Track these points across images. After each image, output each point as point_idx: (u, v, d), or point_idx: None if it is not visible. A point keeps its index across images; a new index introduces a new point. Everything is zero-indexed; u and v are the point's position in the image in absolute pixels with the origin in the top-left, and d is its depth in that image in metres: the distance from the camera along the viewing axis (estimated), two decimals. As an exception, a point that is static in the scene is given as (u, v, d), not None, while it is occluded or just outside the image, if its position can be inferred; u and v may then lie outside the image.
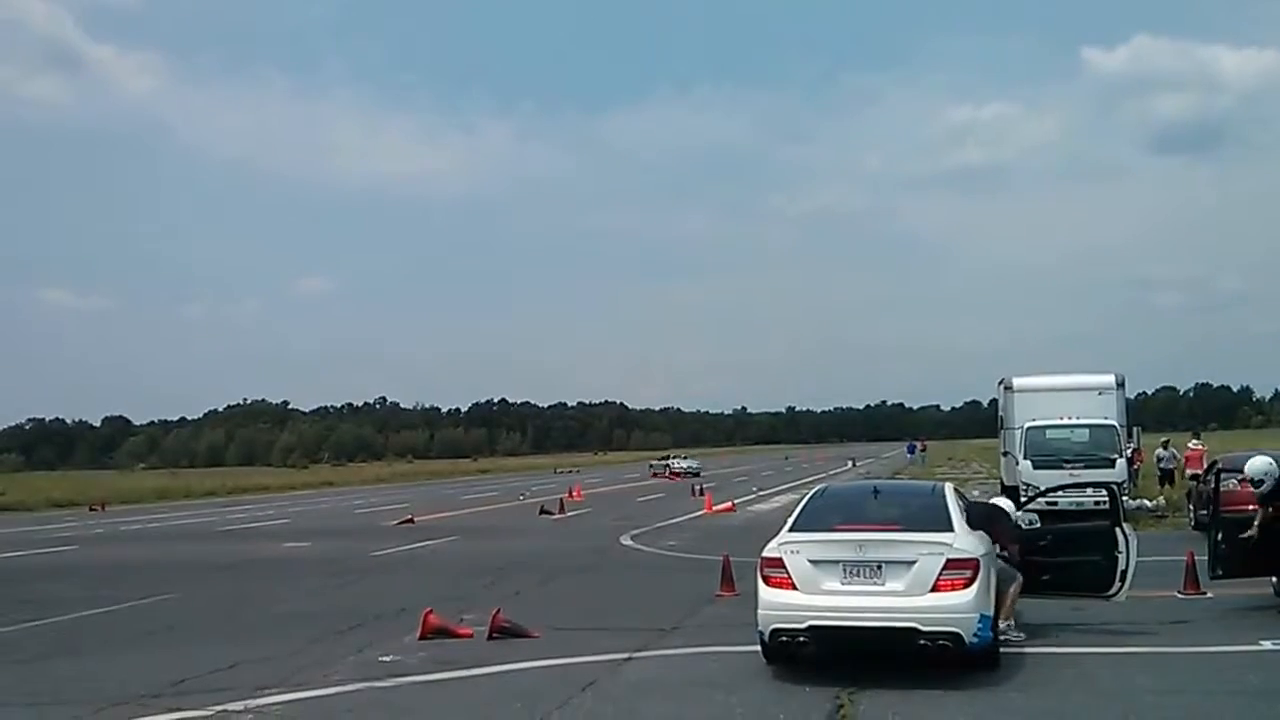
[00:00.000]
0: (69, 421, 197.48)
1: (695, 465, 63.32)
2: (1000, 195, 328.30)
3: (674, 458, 66.80)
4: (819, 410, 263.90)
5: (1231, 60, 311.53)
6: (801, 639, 8.68)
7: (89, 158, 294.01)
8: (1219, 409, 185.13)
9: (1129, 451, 23.29)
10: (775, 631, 8.77)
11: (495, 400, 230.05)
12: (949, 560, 8.50)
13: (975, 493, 26.06)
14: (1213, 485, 18.98)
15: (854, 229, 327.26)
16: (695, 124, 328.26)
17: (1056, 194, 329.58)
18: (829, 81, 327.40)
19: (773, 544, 9.08)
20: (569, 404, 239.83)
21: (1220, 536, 11.79)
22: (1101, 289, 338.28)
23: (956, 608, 8.39)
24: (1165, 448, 29.64)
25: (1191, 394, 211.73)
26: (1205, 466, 25.04)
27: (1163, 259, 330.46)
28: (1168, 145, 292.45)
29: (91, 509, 43.40)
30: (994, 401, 29.68)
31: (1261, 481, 11.34)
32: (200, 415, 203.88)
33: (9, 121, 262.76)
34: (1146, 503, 25.09)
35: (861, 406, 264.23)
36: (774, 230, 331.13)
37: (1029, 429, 22.83)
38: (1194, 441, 29.10)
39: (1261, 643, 9.72)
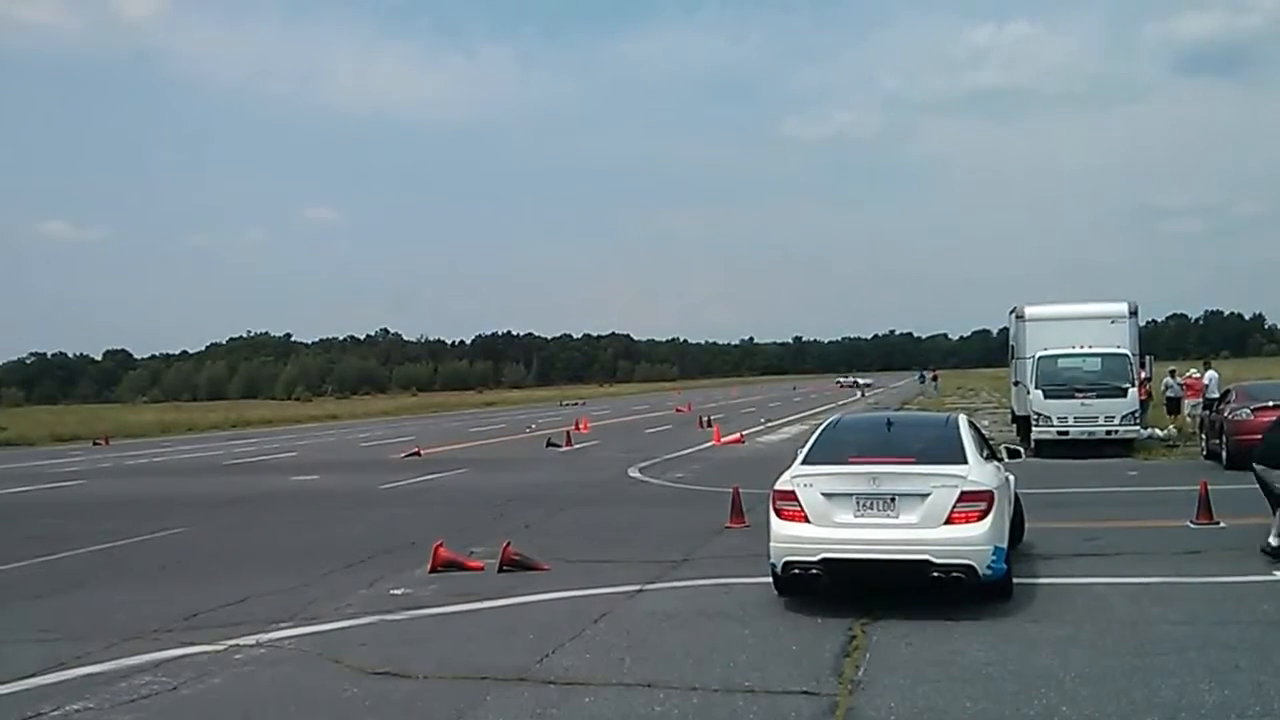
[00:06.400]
0: (70, 355, 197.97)
1: None
2: (1017, 118, 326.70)
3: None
4: (826, 340, 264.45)
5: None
6: (814, 571, 8.64)
7: (88, 84, 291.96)
8: (1231, 337, 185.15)
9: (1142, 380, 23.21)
10: (788, 564, 8.73)
11: (500, 332, 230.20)
12: (963, 493, 8.43)
13: (985, 423, 26.08)
14: (1225, 413, 19.06)
15: (864, 155, 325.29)
16: (703, 46, 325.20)
17: (1074, 117, 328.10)
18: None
19: (785, 476, 9.01)
20: (574, 335, 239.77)
21: None
22: (1116, 215, 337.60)
23: (971, 540, 8.33)
24: (1172, 376, 29.58)
25: (1202, 322, 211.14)
26: (1203, 395, 25.07)
27: (1180, 184, 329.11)
28: (1191, 67, 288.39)
29: (95, 443, 43.47)
30: (1004, 330, 29.52)
31: None
32: (202, 348, 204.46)
33: (7, 47, 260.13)
34: (1157, 431, 25.11)
35: (869, 336, 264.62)
36: (783, 156, 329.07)
37: (1040, 358, 22.69)
38: (1192, 371, 29.03)
39: (1275, 573, 9.69)
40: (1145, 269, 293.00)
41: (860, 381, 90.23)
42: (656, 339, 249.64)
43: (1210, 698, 6.19)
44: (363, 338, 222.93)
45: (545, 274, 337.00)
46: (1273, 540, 10.12)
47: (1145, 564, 10.25)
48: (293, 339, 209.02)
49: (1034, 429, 22.49)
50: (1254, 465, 11.08)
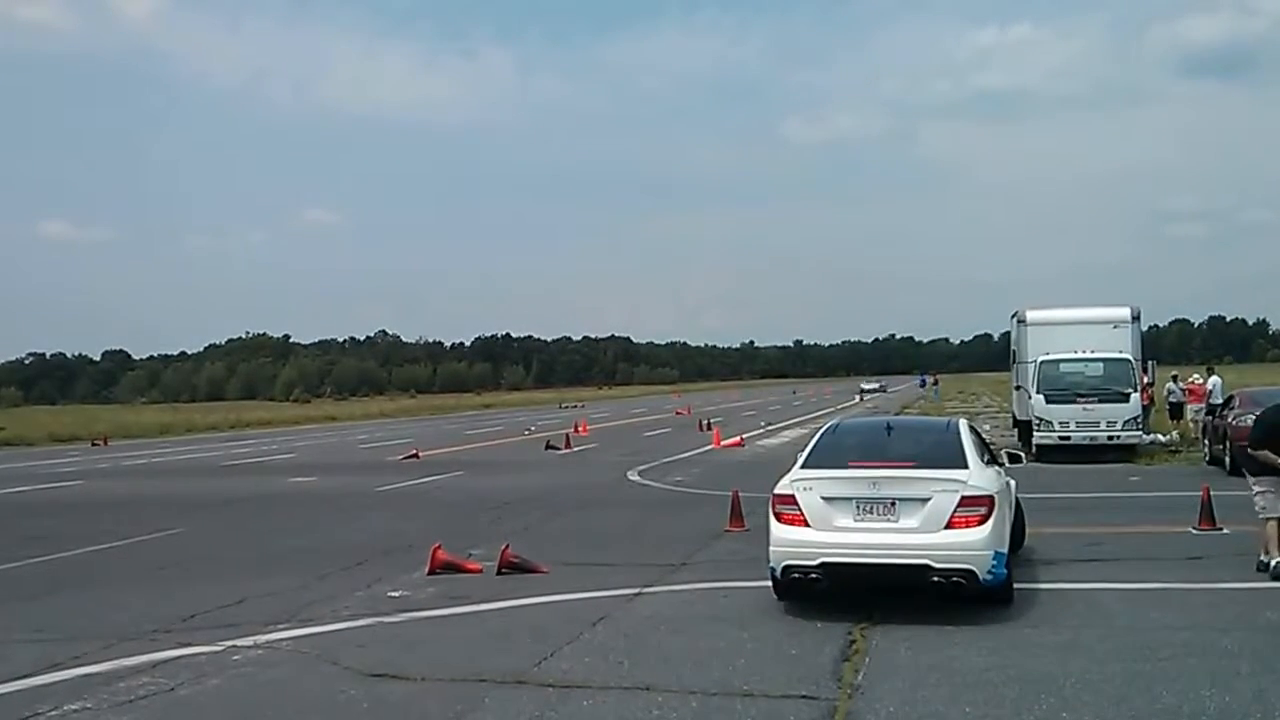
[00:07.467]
0: (69, 356, 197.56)
1: None
2: (1020, 122, 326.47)
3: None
4: (827, 344, 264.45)
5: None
6: (814, 575, 8.61)
7: (88, 84, 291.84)
8: (1234, 342, 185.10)
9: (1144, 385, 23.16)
10: (787, 568, 8.70)
11: (499, 334, 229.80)
12: (964, 497, 8.40)
13: (986, 427, 26.05)
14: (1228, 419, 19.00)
15: (866, 157, 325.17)
16: (704, 48, 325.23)
17: (1078, 120, 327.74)
18: (844, 1, 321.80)
19: (785, 481, 8.98)
20: (574, 338, 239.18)
21: None
22: (1120, 219, 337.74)
23: (971, 545, 8.30)
24: (1175, 381, 29.56)
25: (1205, 327, 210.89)
26: (1205, 400, 25.05)
27: (1185, 188, 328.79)
28: (1197, 70, 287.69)
29: (94, 444, 43.41)
30: (1006, 335, 29.49)
31: None
32: (201, 349, 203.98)
33: (7, 47, 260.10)
34: (1160, 437, 25.09)
35: (870, 340, 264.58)
36: (784, 158, 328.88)
37: (1042, 362, 22.65)
38: (1195, 376, 29.00)
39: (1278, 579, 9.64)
40: (1149, 273, 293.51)
41: (867, 387, 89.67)
42: (656, 342, 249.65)
43: (1212, 704, 6.16)
44: (362, 339, 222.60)
45: (545, 276, 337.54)
46: (1262, 557, 10.05)
47: (1147, 570, 10.22)
48: (291, 340, 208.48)
49: (1035, 434, 22.43)
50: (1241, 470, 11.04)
